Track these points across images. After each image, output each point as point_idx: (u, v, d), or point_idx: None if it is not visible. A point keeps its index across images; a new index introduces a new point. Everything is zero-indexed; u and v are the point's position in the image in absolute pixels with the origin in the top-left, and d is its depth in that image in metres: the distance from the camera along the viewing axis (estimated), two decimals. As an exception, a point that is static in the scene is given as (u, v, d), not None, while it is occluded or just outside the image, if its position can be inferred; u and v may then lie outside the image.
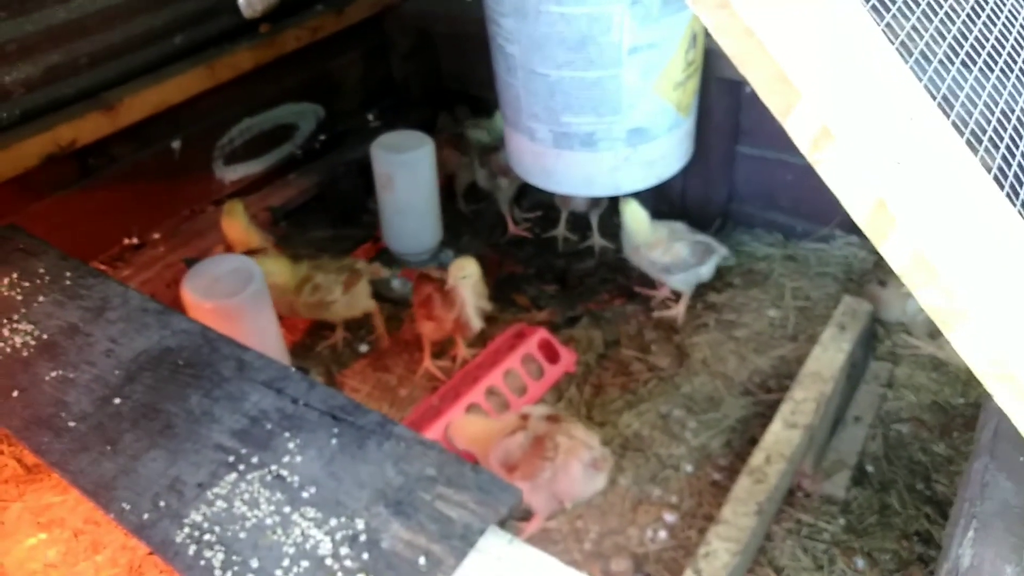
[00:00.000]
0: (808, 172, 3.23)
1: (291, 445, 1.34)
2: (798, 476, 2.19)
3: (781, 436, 2.07)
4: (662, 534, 2.16)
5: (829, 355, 2.27)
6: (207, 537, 1.21)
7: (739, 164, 3.14)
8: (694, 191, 3.16)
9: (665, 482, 2.29)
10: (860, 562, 2.00)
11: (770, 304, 2.87)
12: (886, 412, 2.41)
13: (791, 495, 2.19)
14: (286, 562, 1.16)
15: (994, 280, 0.96)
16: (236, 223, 2.70)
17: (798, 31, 0.94)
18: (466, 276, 2.47)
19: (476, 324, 2.56)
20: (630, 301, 2.95)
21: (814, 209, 3.06)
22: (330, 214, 3.45)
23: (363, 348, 2.83)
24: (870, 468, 2.25)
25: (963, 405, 2.40)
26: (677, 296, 2.85)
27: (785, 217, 3.15)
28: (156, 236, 3.08)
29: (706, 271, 2.74)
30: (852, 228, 3.03)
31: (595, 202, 3.11)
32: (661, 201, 3.14)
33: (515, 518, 2.15)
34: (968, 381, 2.47)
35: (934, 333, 2.59)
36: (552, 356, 2.64)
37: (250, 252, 2.62)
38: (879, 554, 2.02)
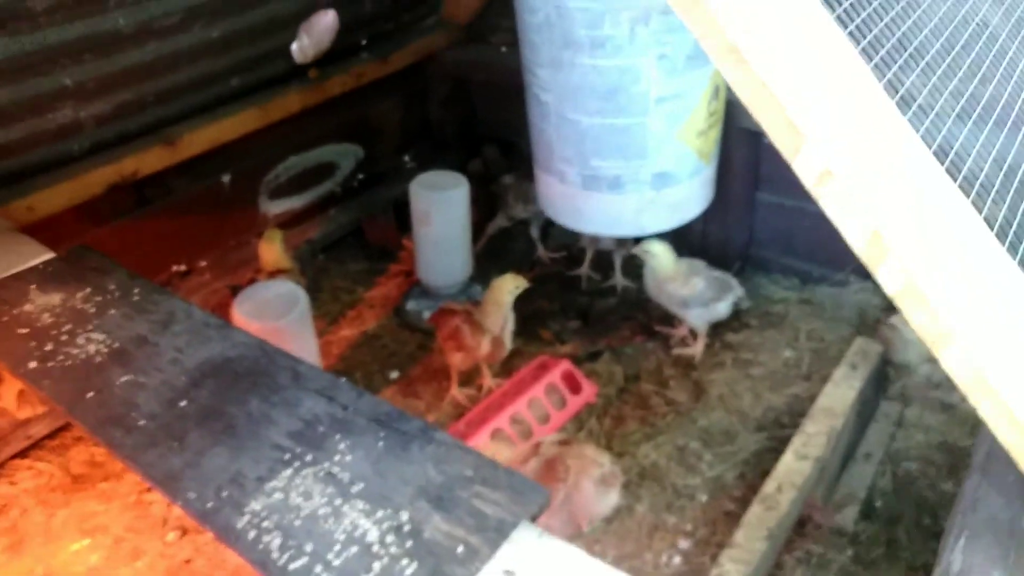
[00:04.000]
0: (824, 220, 3.35)
1: (341, 446, 1.47)
2: (809, 508, 2.28)
3: (793, 467, 2.18)
4: (676, 559, 2.25)
5: (840, 392, 2.38)
6: (265, 524, 1.34)
7: (758, 210, 3.28)
8: (714, 235, 3.30)
9: (680, 510, 2.39)
10: (868, 590, 2.08)
11: (785, 345, 2.98)
12: (895, 450, 2.50)
13: (802, 526, 2.27)
14: (337, 547, 1.29)
15: (977, 304, 1.09)
16: (273, 247, 2.91)
17: (805, 84, 1.09)
18: (518, 287, 2.63)
19: (509, 345, 2.70)
20: (650, 339, 3.07)
21: (830, 255, 3.17)
22: (366, 249, 3.63)
23: (393, 375, 2.97)
24: (879, 503, 2.33)
25: (971, 447, 2.48)
26: (695, 335, 2.97)
27: (801, 262, 3.27)
28: (203, 264, 3.26)
29: (723, 308, 2.86)
30: (866, 274, 3.15)
31: (621, 242, 3.26)
32: (682, 244, 3.26)
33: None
34: (976, 423, 2.55)
35: (936, 384, 2.68)
36: (574, 387, 2.76)
37: (277, 272, 2.84)
38: (886, 584, 2.10)
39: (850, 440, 2.42)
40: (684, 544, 2.30)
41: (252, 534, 1.33)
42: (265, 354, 1.72)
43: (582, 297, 3.33)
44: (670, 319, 3.05)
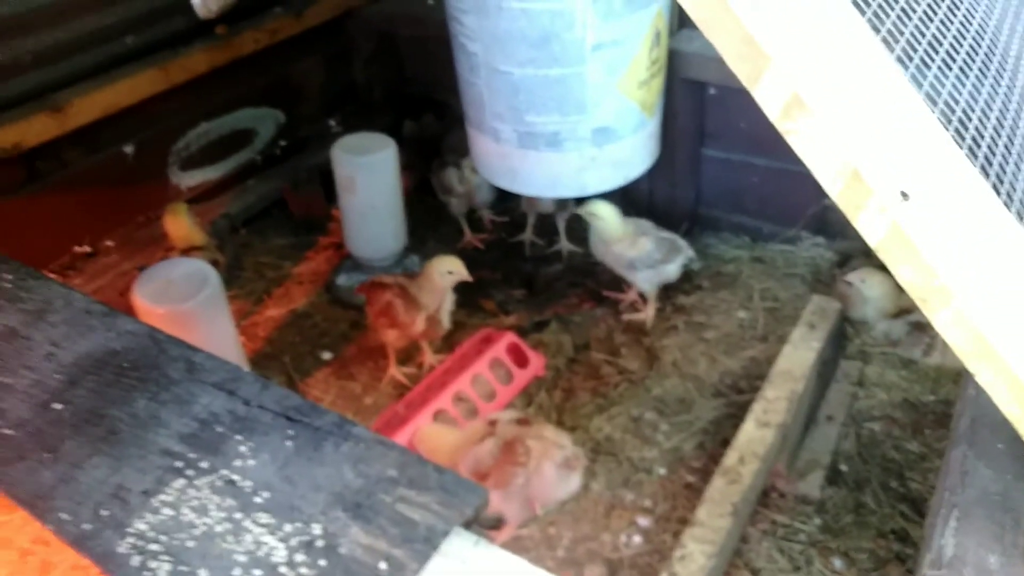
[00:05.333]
0: (773, 174, 3.20)
1: (243, 448, 1.26)
2: (772, 476, 2.16)
3: (754, 435, 2.04)
4: (636, 539, 2.11)
5: (800, 353, 2.25)
6: (152, 547, 1.13)
7: (705, 167, 3.13)
8: (661, 194, 3.14)
9: (638, 486, 2.24)
10: (837, 562, 1.97)
11: (739, 306, 2.85)
12: (858, 411, 2.39)
13: (766, 496, 2.15)
14: (237, 571, 1.08)
15: (974, 256, 0.93)
16: (180, 221, 2.68)
17: (767, -4, 0.90)
18: (452, 272, 2.44)
19: (447, 324, 2.51)
20: (599, 305, 2.91)
21: (780, 211, 3.06)
22: (291, 221, 3.37)
23: (326, 356, 2.75)
24: (844, 467, 2.22)
25: (934, 402, 2.39)
26: (645, 299, 2.81)
27: (752, 219, 3.14)
28: (109, 244, 2.97)
29: (673, 270, 2.71)
30: (818, 229, 3.08)
31: (562, 204, 3.07)
32: (628, 204, 3.10)
33: (486, 527, 2.08)
34: (937, 378, 2.47)
35: (895, 341, 2.58)
36: (521, 360, 2.58)
37: (191, 250, 2.62)
38: (856, 553, 1.99)
39: (811, 403, 2.30)
40: (644, 522, 2.16)
41: (136, 560, 1.12)
42: (156, 344, 1.48)
43: (526, 264, 3.15)
44: (619, 284, 2.89)
